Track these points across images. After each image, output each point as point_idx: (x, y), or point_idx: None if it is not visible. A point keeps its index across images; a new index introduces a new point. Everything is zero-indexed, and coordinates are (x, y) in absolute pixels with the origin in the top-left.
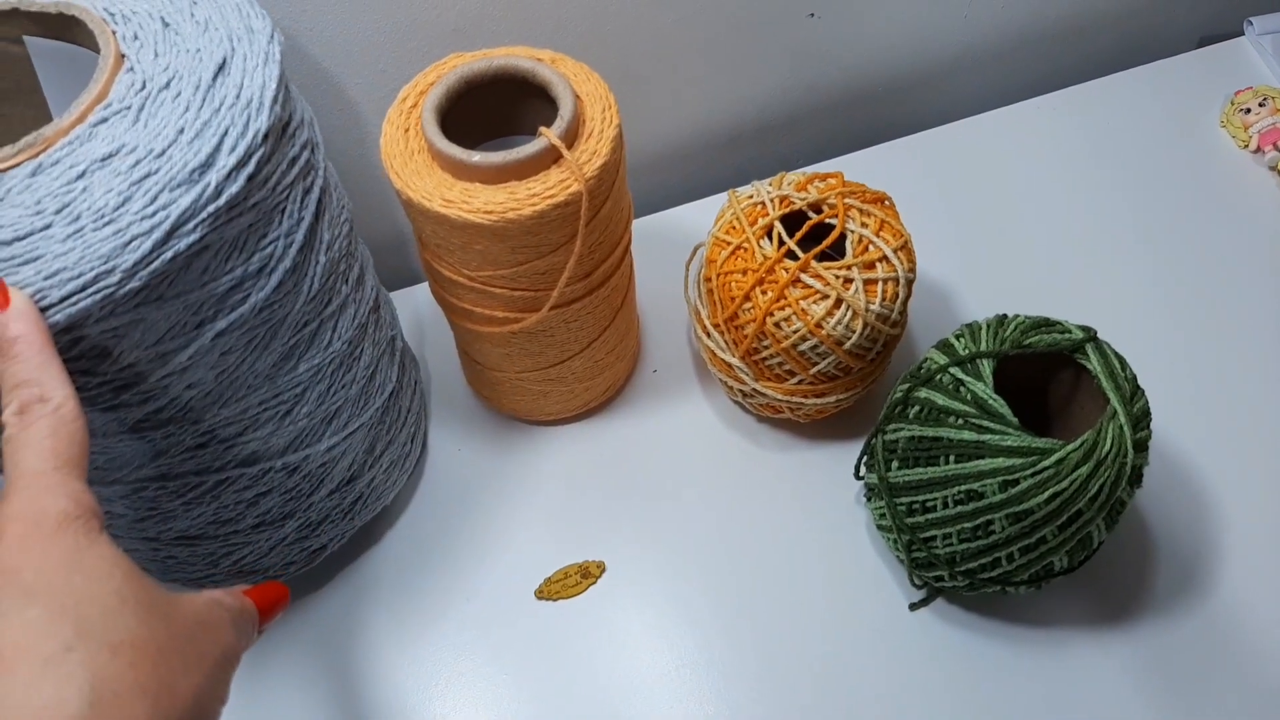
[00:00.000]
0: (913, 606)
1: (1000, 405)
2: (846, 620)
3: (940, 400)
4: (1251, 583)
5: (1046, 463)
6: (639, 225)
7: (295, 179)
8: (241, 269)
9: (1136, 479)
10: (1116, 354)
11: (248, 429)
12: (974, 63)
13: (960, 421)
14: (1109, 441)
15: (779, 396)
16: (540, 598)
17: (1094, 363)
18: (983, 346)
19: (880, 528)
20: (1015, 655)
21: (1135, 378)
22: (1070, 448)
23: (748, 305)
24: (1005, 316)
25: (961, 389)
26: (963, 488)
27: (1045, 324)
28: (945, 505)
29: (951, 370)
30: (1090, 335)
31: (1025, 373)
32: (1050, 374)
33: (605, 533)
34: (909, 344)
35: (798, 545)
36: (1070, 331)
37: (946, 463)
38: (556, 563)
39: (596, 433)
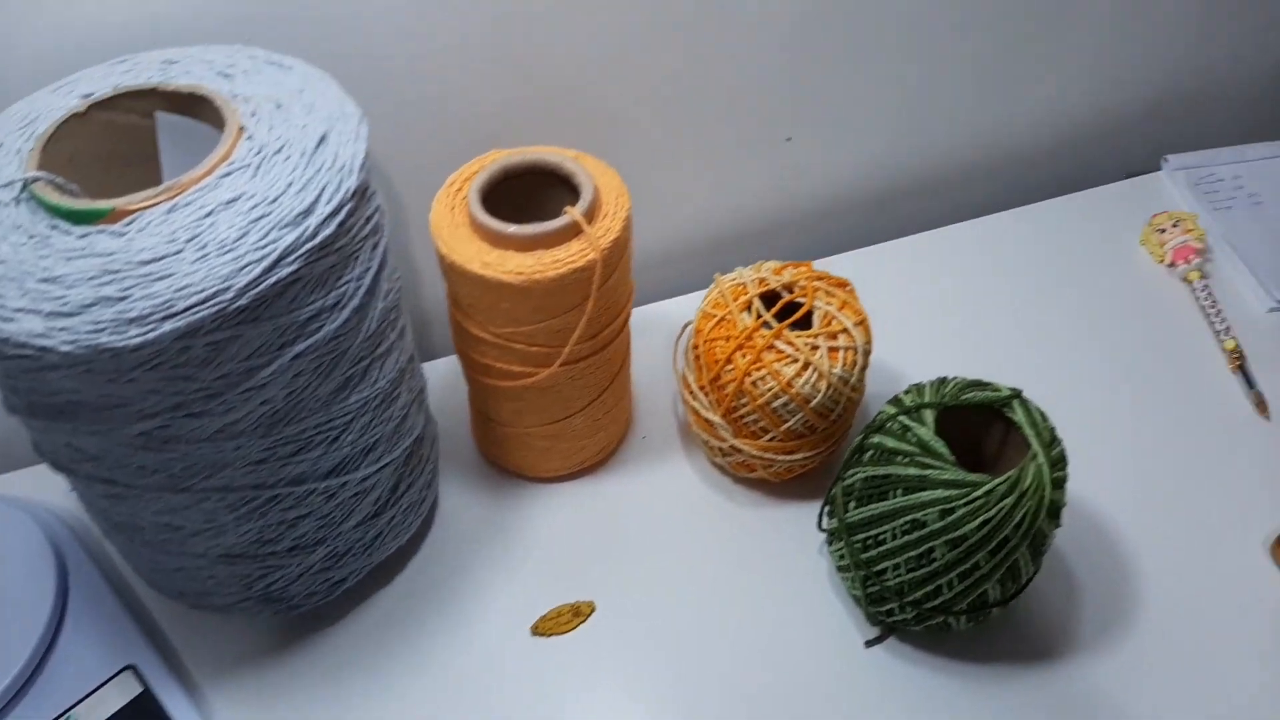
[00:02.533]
0: (868, 643)
1: (940, 446)
2: (810, 659)
3: (890, 443)
4: (1162, 629)
5: (977, 493)
6: (634, 313)
7: (368, 234)
8: (320, 301)
9: (1055, 514)
10: (1038, 409)
11: (301, 449)
12: (929, 186)
13: (907, 460)
14: (1029, 478)
15: (754, 453)
16: (535, 633)
17: (1019, 415)
18: (926, 399)
19: (840, 569)
20: (961, 689)
21: (1054, 429)
22: (997, 481)
23: (729, 367)
24: (946, 378)
25: (908, 433)
26: (908, 518)
27: (979, 384)
28: (894, 536)
29: (900, 418)
30: (1016, 393)
31: (963, 428)
32: (984, 429)
33: (596, 578)
34: (865, 414)
35: (767, 592)
36: (1000, 390)
37: (895, 496)
38: (551, 602)
39: (592, 489)
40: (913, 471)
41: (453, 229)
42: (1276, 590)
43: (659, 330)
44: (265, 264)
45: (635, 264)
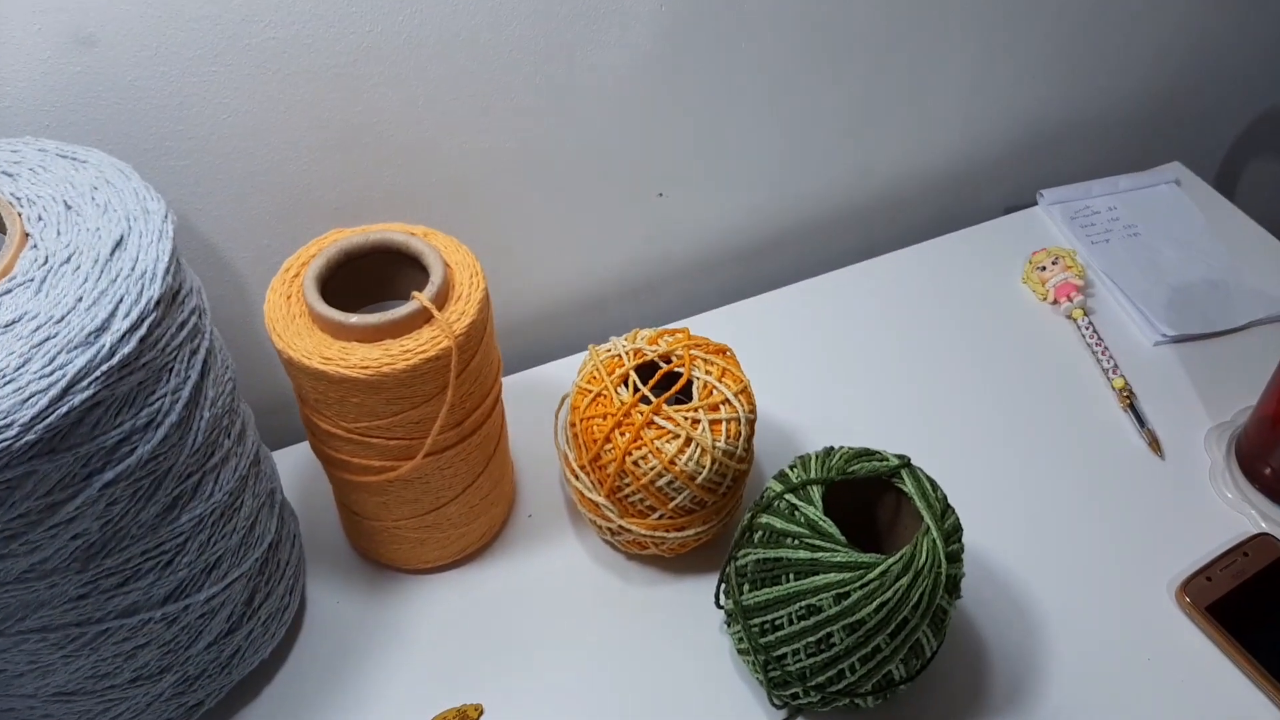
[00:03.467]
0: None
1: (830, 526)
2: None
3: (779, 524)
4: (1076, 683)
5: (871, 575)
6: (511, 381)
7: (183, 341)
8: (130, 423)
9: (953, 588)
10: (929, 477)
11: (129, 579)
12: (806, 233)
13: (796, 542)
14: (924, 554)
15: (643, 532)
16: None
17: (909, 486)
18: (812, 474)
19: (740, 651)
20: None
21: (946, 497)
22: (890, 561)
23: (609, 446)
24: (832, 448)
25: (796, 513)
26: (803, 603)
27: (866, 454)
28: (790, 621)
29: (787, 496)
30: (905, 462)
31: (854, 496)
32: (875, 497)
33: (483, 676)
34: (758, 476)
35: (667, 676)
36: (888, 460)
37: (788, 581)
38: (435, 708)
39: (474, 578)
40: (803, 555)
41: (289, 320)
42: (1185, 634)
43: (538, 397)
44: (53, 393)
45: (508, 326)
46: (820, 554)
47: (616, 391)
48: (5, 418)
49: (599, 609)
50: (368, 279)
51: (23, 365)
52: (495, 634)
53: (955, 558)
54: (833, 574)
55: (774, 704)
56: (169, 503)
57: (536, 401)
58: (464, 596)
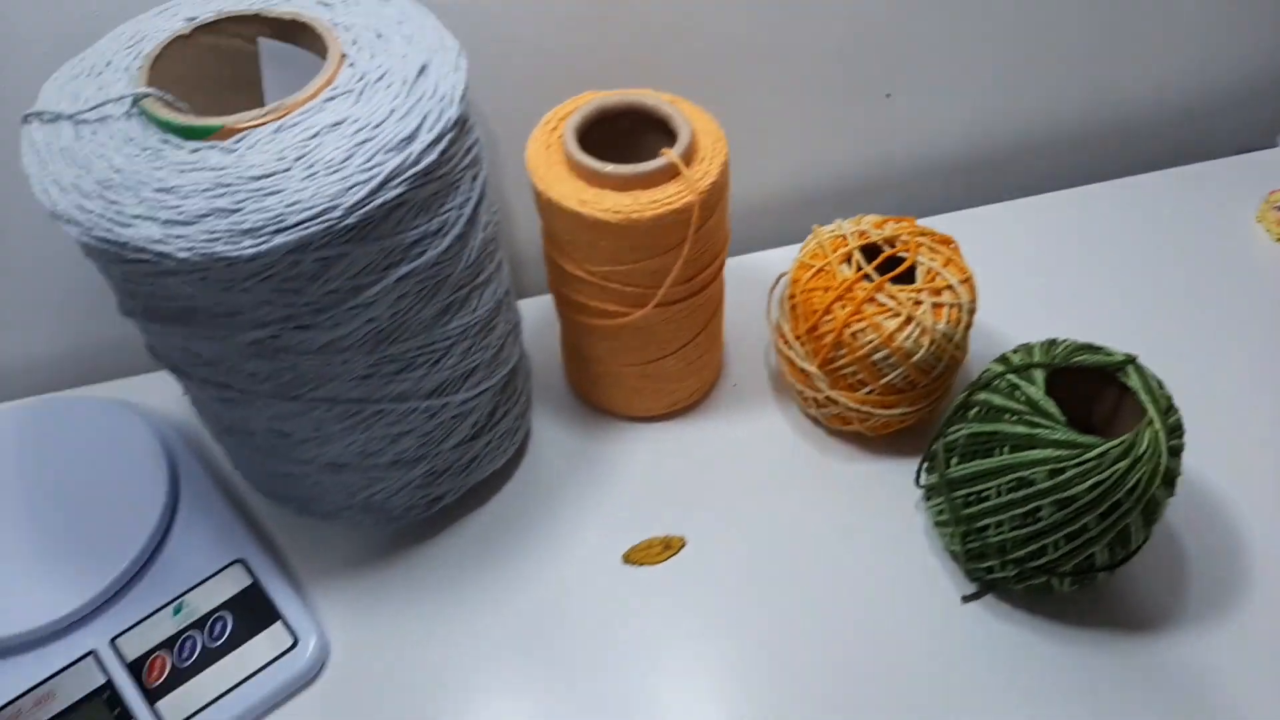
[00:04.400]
0: (965, 598)
1: (1050, 405)
2: (902, 610)
3: (997, 400)
4: (1277, 603)
5: (1089, 455)
6: (727, 263)
7: (468, 165)
8: (424, 226)
9: (1170, 481)
10: (1155, 376)
11: (405, 369)
12: (1031, 151)
13: (1014, 418)
14: (1145, 443)
15: (851, 405)
16: (626, 562)
17: (1134, 380)
18: (1036, 359)
19: (938, 524)
20: (1059, 651)
21: (1170, 397)
22: (1111, 444)
23: (828, 318)
24: (1055, 340)
25: (1016, 392)
26: (1015, 475)
27: (1091, 347)
28: (998, 494)
29: (1007, 376)
30: (1131, 358)
31: (1072, 392)
32: (1094, 396)
33: (686, 516)
34: (966, 376)
35: (859, 543)
36: (1114, 355)
37: (1001, 454)
38: (641, 535)
39: (680, 432)
40: (1021, 430)
41: (549, 167)
42: None
43: (750, 281)
44: (371, 185)
45: (731, 213)
46: (1039, 430)
47: (839, 268)
48: (332, 201)
49: (796, 476)
50: (617, 139)
51: (347, 159)
52: (697, 484)
53: (1175, 453)
54: (1049, 450)
55: (968, 577)
56: (444, 307)
57: (746, 286)
58: (671, 447)
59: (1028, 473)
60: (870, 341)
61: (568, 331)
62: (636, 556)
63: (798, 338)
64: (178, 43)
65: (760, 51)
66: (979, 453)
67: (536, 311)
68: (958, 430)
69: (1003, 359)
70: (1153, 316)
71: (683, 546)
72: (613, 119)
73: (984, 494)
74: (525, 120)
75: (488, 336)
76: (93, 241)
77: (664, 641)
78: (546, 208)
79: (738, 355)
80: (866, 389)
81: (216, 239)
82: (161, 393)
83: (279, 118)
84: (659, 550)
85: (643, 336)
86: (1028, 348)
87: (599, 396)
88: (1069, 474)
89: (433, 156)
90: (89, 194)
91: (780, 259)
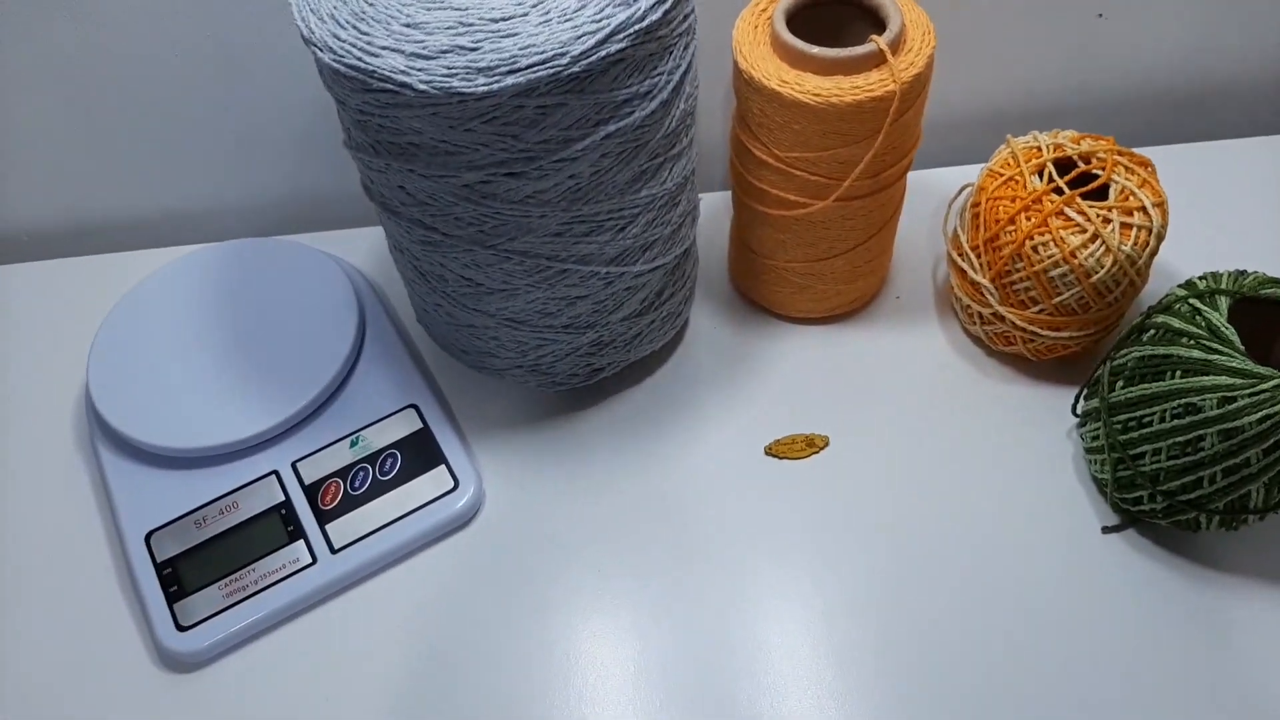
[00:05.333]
0: (1106, 529)
1: (1231, 333)
2: (1041, 534)
3: (1177, 323)
4: None
5: (1264, 386)
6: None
7: (682, 33)
8: (635, 86)
9: None
10: None
11: (593, 231)
12: (1240, 90)
13: (1191, 343)
14: None
15: (1018, 323)
16: (768, 454)
17: None
18: (1222, 286)
19: (1089, 451)
20: (1198, 593)
21: None
22: None
23: (1011, 228)
24: (1245, 270)
25: (1197, 316)
26: (1183, 401)
27: None
28: (1162, 419)
29: (1190, 300)
30: None
31: (1256, 326)
32: (1278, 334)
33: (833, 417)
34: (1139, 309)
35: (1006, 464)
36: None
37: (1172, 378)
38: (786, 430)
39: (838, 336)
40: (1197, 354)
41: (753, 46)
42: None
43: (927, 196)
44: (599, 36)
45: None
46: (1215, 356)
47: (1030, 179)
48: (562, 48)
49: (949, 392)
50: (823, 32)
51: (579, 9)
52: (847, 389)
53: None
54: (1224, 377)
55: (1113, 508)
56: (637, 173)
57: (922, 201)
58: (827, 351)
59: (1197, 399)
60: (1051, 256)
61: (739, 223)
62: (779, 449)
63: (974, 248)
64: None
65: None
66: (1149, 376)
67: (707, 208)
68: (1128, 353)
69: (1188, 284)
70: None
71: (826, 446)
72: (822, 6)
73: (1146, 419)
74: (731, 4)
75: (670, 212)
76: (342, 69)
77: (796, 533)
78: (745, 87)
79: (905, 269)
80: (1037, 307)
81: (454, 74)
82: (359, 249)
83: None
84: (802, 446)
85: (817, 232)
86: (1214, 275)
87: (761, 292)
88: (1240, 404)
89: (656, 15)
90: (344, 24)
91: (959, 176)
